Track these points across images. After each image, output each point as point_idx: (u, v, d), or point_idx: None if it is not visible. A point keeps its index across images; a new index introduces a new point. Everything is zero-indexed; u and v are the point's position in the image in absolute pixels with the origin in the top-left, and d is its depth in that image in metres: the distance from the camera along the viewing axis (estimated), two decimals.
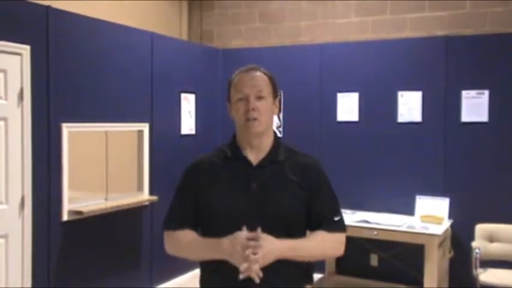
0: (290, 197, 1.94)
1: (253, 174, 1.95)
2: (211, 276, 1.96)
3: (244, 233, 1.80)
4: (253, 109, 1.93)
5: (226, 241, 1.82)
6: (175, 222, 2.02)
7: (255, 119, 1.94)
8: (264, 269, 1.77)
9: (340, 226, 2.03)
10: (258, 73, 2.00)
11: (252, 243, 1.77)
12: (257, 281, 1.76)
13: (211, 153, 2.08)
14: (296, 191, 1.95)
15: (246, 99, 1.95)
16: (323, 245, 1.97)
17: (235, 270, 1.77)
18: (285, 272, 1.88)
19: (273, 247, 1.80)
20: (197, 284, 2.05)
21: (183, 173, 2.08)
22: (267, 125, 1.99)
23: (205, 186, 1.98)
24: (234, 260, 1.79)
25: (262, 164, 1.97)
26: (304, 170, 1.99)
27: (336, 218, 2.01)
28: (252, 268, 1.75)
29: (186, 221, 2.00)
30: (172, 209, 2.06)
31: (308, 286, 2.02)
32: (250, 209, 1.90)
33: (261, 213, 1.89)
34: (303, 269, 1.98)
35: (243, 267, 1.75)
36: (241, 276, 1.76)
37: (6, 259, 3.76)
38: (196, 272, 2.17)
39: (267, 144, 2.01)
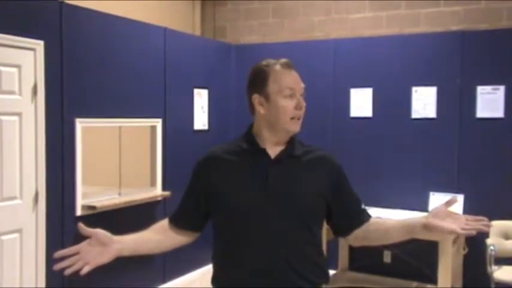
0: (309, 192, 1.91)
1: (272, 168, 1.90)
2: (223, 274, 1.94)
3: None
4: (300, 108, 1.94)
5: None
6: (173, 218, 2.05)
7: (299, 118, 1.95)
8: (284, 269, 1.74)
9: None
10: (295, 70, 2.00)
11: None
12: None
13: (224, 146, 2.01)
14: (315, 186, 1.92)
15: (294, 97, 1.94)
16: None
17: (248, 268, 1.75)
18: (304, 271, 1.85)
19: None
20: (209, 279, 2.04)
21: (193, 169, 2.04)
22: None
23: (220, 182, 1.93)
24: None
25: (280, 157, 1.92)
26: (323, 165, 1.97)
27: (364, 207, 2.06)
28: None
29: (183, 220, 2.02)
30: (179, 204, 2.07)
31: (324, 286, 1.99)
32: (269, 204, 1.85)
33: (280, 209, 1.85)
34: (321, 268, 1.95)
35: None
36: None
37: (20, 253, 3.80)
38: (209, 268, 2.16)
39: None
